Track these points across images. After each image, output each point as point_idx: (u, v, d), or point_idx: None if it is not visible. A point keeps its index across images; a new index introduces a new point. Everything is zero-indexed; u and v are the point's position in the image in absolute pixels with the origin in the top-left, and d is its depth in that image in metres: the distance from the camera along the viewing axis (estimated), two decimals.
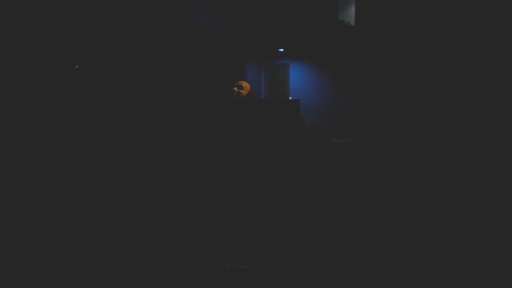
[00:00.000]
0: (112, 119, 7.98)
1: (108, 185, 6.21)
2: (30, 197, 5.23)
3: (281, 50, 12.74)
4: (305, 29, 11.77)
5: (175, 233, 4.45)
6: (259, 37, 11.93)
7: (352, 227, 4.86)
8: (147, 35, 9.10)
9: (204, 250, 3.76)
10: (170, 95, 9.46)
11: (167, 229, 4.59)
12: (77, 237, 4.31)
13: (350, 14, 12.11)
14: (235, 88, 3.62)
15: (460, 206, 5.61)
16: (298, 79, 12.94)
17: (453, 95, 8.12)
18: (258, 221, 3.48)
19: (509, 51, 6.79)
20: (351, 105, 12.40)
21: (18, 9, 6.06)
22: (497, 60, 7.07)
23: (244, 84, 3.67)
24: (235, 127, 3.46)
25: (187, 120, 9.45)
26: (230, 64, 11.34)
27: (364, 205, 5.73)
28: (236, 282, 3.25)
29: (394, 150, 9.47)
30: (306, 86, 12.60)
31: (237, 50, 11.80)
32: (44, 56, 6.48)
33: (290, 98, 12.86)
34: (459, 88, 7.93)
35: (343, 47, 12.10)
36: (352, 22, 12.02)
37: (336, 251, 4.09)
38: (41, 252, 3.90)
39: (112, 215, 5.02)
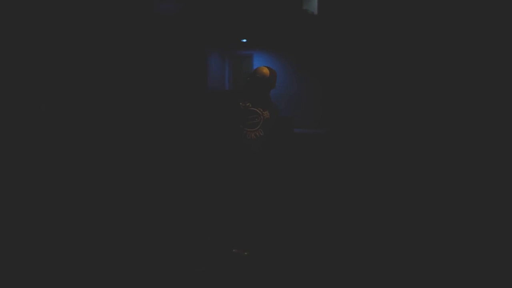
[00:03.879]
0: (74, 110, 7.69)
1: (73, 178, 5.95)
2: None
3: (244, 40, 12.56)
4: (269, 19, 11.62)
5: (161, 225, 4.27)
6: (222, 27, 11.70)
7: (314, 215, 4.79)
8: (107, 24, 8.77)
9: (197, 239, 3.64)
10: (130, 84, 9.16)
11: (150, 221, 4.40)
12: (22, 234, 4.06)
13: (314, 4, 12.03)
14: (248, 78, 3.37)
15: (424, 191, 5.65)
16: None
17: (418, 83, 8.18)
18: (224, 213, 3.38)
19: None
20: (316, 94, 12.36)
21: None
22: (451, 36, 7.17)
23: (263, 71, 3.28)
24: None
25: (147, 109, 9.19)
26: (193, 54, 11.08)
27: (327, 194, 5.68)
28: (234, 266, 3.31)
29: (358, 138, 9.51)
30: None
31: (200, 40, 11.54)
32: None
33: None
34: (424, 77, 8.00)
35: (307, 36, 12.03)
36: (316, 12, 11.96)
37: (293, 239, 4.01)
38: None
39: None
